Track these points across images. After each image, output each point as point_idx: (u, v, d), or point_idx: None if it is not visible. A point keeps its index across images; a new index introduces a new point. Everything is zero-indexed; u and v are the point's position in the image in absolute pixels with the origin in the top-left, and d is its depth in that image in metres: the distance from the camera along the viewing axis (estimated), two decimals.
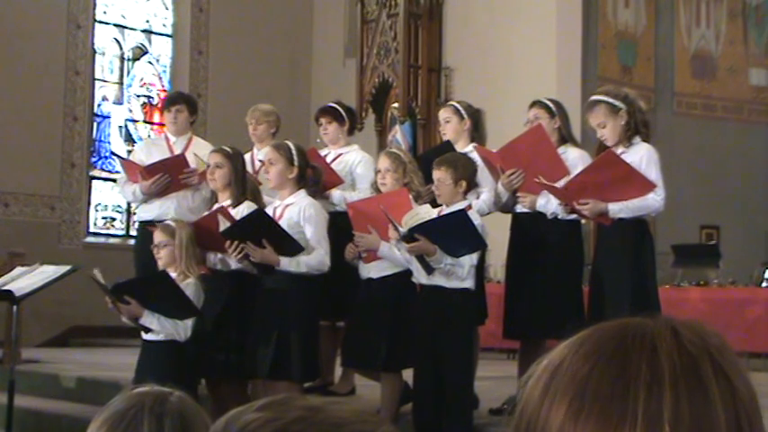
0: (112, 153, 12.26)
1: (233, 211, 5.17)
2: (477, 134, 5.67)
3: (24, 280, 5.81)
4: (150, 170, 6.08)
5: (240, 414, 0.97)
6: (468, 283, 4.90)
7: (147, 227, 5.77)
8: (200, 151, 6.22)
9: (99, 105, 12.48)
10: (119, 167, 8.78)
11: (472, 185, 5.10)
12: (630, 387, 0.80)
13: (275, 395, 1.01)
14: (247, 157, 5.88)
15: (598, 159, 4.97)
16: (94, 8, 12.31)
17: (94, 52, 12.33)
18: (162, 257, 5.10)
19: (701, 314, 8.92)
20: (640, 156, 4.85)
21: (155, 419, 1.54)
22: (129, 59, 12.89)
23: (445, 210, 5.02)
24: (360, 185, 5.93)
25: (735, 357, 0.85)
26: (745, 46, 12.76)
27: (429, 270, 4.84)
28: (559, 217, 5.18)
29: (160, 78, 13.13)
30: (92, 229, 12.25)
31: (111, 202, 12.42)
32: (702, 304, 9.07)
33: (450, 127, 5.65)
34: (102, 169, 12.43)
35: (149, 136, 12.49)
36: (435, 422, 4.86)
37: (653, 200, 4.84)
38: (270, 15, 13.23)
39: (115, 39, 12.79)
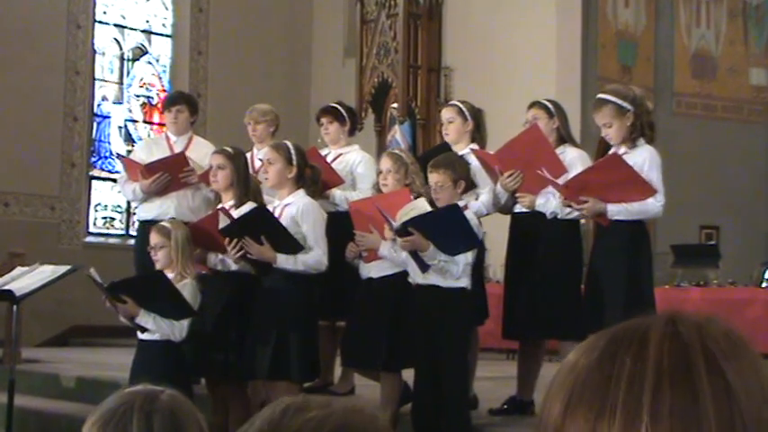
0: (113, 152, 12.27)
1: (235, 213, 5.16)
2: (478, 135, 5.66)
3: (24, 280, 5.81)
4: (150, 169, 6.08)
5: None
6: (464, 282, 4.89)
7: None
8: (200, 150, 6.23)
9: (99, 105, 12.48)
10: (119, 166, 8.78)
11: (470, 184, 5.09)
12: (612, 380, 0.80)
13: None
14: (247, 156, 5.88)
15: (602, 161, 4.95)
16: (94, 8, 12.31)
17: (94, 52, 12.33)
18: (159, 259, 5.10)
19: None
20: (643, 158, 4.83)
21: (144, 417, 1.56)
22: (128, 59, 12.89)
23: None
24: (360, 185, 5.93)
25: (741, 352, 0.83)
26: (746, 46, 12.76)
27: (423, 267, 4.84)
28: (559, 217, 5.18)
29: (160, 78, 13.13)
30: (91, 229, 12.25)
31: (110, 202, 12.42)
32: (702, 304, 9.06)
33: (453, 127, 5.63)
34: (102, 169, 12.43)
35: (149, 136, 12.49)
36: (434, 423, 4.86)
37: (652, 204, 4.83)
38: (269, 16, 13.23)
39: (115, 39, 12.79)
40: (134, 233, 8.52)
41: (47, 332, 10.83)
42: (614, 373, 0.80)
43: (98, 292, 5.11)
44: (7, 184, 11.25)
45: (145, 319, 4.97)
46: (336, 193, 5.83)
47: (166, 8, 13.21)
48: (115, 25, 12.75)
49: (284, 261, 4.95)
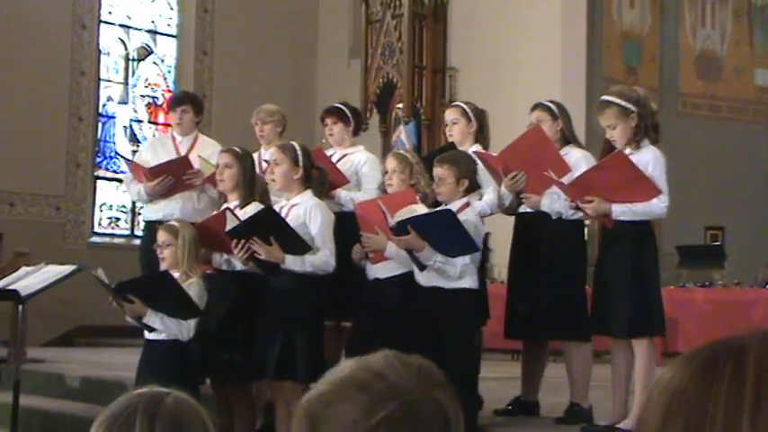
0: (117, 154, 12.28)
1: (239, 213, 5.15)
2: (481, 136, 5.66)
3: (29, 279, 5.81)
4: (154, 172, 6.09)
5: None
6: (468, 283, 4.88)
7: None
8: (205, 150, 6.23)
9: (104, 105, 12.51)
10: (124, 166, 8.79)
11: (473, 184, 5.09)
12: (711, 396, 0.80)
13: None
14: (254, 157, 5.88)
15: (607, 158, 4.93)
16: (100, 8, 12.33)
17: (99, 52, 12.35)
18: (165, 257, 5.11)
19: (706, 315, 8.92)
20: (647, 159, 4.82)
21: (146, 420, 1.56)
22: (134, 60, 12.91)
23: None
24: (366, 186, 5.92)
25: None
26: (751, 46, 12.75)
27: (420, 266, 4.84)
28: (563, 217, 5.18)
29: (165, 79, 13.15)
30: (96, 229, 12.27)
31: (115, 202, 12.44)
32: (707, 305, 9.06)
33: (457, 129, 5.64)
34: (107, 169, 12.45)
35: (154, 135, 12.50)
36: None
37: (656, 206, 4.82)
38: (274, 16, 13.24)
39: (120, 39, 12.82)
40: (139, 233, 8.53)
41: (52, 332, 10.85)
42: (712, 390, 0.80)
43: (103, 292, 5.11)
44: (13, 184, 11.28)
45: (152, 318, 4.98)
46: (342, 193, 5.82)
47: (172, 8, 13.23)
48: (120, 25, 12.77)
49: (292, 262, 4.95)
